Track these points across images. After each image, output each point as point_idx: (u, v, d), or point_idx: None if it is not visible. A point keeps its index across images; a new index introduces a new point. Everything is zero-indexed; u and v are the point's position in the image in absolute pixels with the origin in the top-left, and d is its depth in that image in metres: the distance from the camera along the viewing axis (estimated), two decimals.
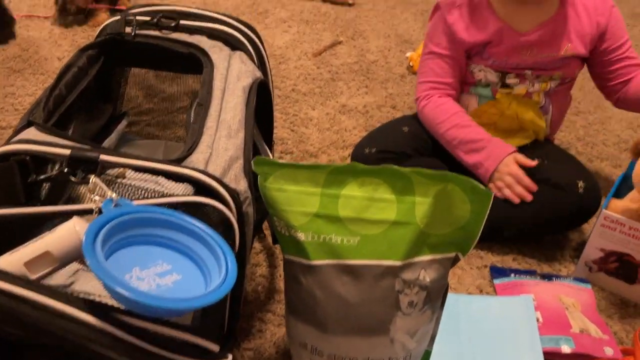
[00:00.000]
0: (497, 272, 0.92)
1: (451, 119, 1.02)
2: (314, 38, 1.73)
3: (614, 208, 0.88)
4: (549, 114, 1.07)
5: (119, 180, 0.60)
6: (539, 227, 0.98)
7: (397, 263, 0.62)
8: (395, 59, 1.63)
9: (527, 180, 0.95)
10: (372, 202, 0.62)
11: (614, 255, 0.87)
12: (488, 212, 0.61)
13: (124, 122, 0.99)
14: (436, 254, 0.64)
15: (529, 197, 0.94)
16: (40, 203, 0.61)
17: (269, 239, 0.96)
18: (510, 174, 0.95)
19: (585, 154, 1.26)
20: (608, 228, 0.85)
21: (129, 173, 0.61)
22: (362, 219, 0.62)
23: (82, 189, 0.72)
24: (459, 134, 1.01)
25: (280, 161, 0.63)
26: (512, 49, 1.00)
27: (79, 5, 1.67)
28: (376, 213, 0.62)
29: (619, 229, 0.85)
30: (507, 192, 0.95)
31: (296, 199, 0.63)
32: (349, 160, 1.19)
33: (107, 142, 0.92)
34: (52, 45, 1.55)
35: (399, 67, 1.59)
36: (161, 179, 0.61)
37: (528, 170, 0.97)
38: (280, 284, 0.89)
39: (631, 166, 0.93)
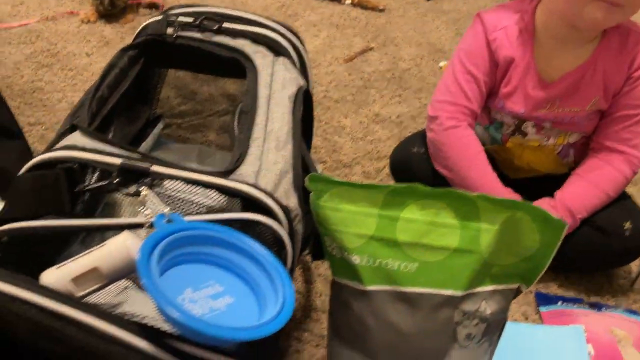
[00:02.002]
0: (543, 299, 0.88)
1: (475, 162, 0.92)
2: (345, 43, 1.69)
3: None
4: (569, 156, 0.97)
5: (167, 192, 0.57)
6: (579, 267, 0.93)
7: (458, 293, 0.58)
8: (429, 68, 1.60)
9: None
10: (433, 227, 0.58)
11: None
12: (559, 244, 0.57)
13: (159, 126, 0.96)
14: (498, 285, 0.60)
15: None
16: (84, 212, 0.58)
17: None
18: None
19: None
20: None
21: (179, 185, 0.58)
22: (422, 245, 0.58)
23: (119, 198, 0.69)
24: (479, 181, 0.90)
25: (337, 179, 0.60)
26: (531, 102, 0.89)
27: (127, 0, 1.64)
28: (437, 239, 0.58)
29: None
30: None
31: (352, 220, 0.60)
32: (385, 172, 1.16)
33: (144, 146, 0.89)
34: (80, 41, 1.53)
35: (432, 76, 1.55)
36: (212, 192, 0.58)
37: None
38: (317, 302, 0.85)
39: None
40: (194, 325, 0.43)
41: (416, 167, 0.98)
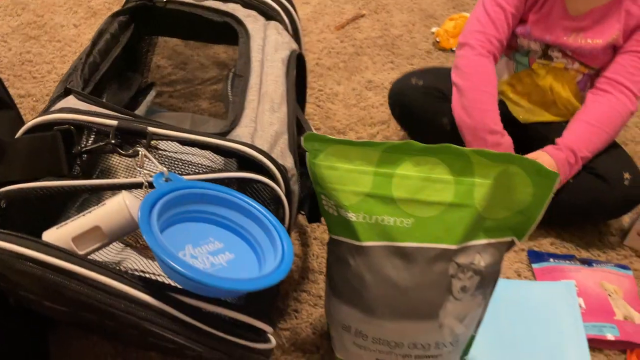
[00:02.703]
0: (535, 256, 0.89)
1: (485, 87, 0.96)
2: (336, 10, 1.68)
3: None
4: (586, 90, 1.02)
5: (164, 152, 0.58)
6: (576, 216, 0.95)
7: (453, 247, 0.59)
8: (421, 34, 1.59)
9: None
10: (428, 182, 0.59)
11: None
12: (552, 196, 0.58)
13: (152, 93, 0.96)
14: (492, 238, 0.61)
15: None
16: (83, 174, 0.59)
17: (300, 217, 0.94)
18: None
19: (618, 137, 1.23)
20: None
21: (175, 146, 0.58)
22: (417, 200, 0.59)
23: (114, 161, 0.69)
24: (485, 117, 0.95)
25: (332, 137, 0.60)
26: (555, 31, 0.95)
27: None
28: (432, 194, 0.59)
29: None
30: None
31: (348, 178, 0.60)
32: (378, 138, 1.16)
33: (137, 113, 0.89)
34: (67, 12, 1.51)
35: (424, 42, 1.54)
36: (208, 153, 0.59)
37: None
38: (314, 263, 0.87)
39: None
40: (197, 277, 0.44)
41: (411, 97, 1.04)
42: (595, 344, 0.77)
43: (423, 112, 1.02)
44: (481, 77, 0.96)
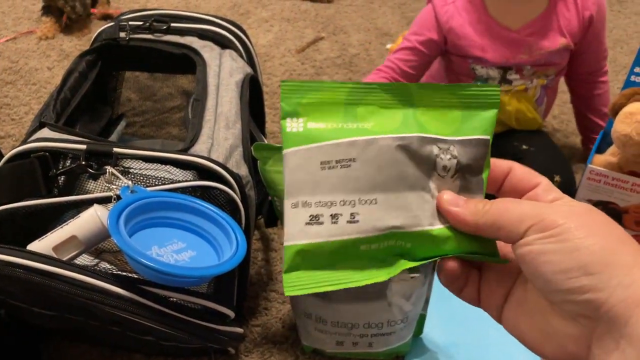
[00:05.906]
0: None
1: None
2: (296, 35, 1.78)
3: (597, 162, 0.95)
4: (542, 105, 1.11)
5: (131, 170, 0.65)
6: None
7: None
8: (377, 52, 1.70)
9: None
10: None
11: (600, 204, 0.95)
12: None
13: (122, 123, 1.04)
14: None
15: None
16: (61, 195, 0.66)
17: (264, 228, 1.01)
18: None
19: (561, 130, 1.33)
20: (594, 181, 0.93)
21: (140, 163, 0.66)
22: None
23: (90, 184, 0.77)
24: None
25: (278, 145, 0.68)
26: (509, 49, 1.02)
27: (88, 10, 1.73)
28: None
29: (603, 180, 0.92)
30: None
31: None
32: None
33: None
34: (41, 56, 1.59)
35: (380, 59, 1.65)
36: (170, 168, 0.67)
37: (513, 155, 1.03)
38: (280, 266, 0.94)
39: (610, 124, 1.00)
40: (161, 267, 0.52)
41: None
42: None
43: None
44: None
